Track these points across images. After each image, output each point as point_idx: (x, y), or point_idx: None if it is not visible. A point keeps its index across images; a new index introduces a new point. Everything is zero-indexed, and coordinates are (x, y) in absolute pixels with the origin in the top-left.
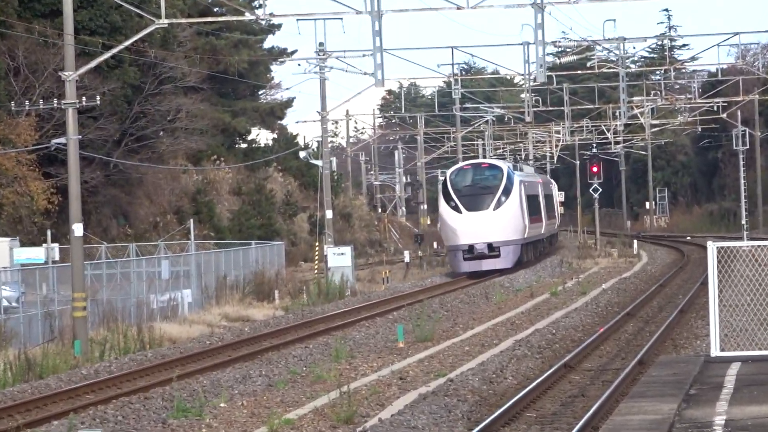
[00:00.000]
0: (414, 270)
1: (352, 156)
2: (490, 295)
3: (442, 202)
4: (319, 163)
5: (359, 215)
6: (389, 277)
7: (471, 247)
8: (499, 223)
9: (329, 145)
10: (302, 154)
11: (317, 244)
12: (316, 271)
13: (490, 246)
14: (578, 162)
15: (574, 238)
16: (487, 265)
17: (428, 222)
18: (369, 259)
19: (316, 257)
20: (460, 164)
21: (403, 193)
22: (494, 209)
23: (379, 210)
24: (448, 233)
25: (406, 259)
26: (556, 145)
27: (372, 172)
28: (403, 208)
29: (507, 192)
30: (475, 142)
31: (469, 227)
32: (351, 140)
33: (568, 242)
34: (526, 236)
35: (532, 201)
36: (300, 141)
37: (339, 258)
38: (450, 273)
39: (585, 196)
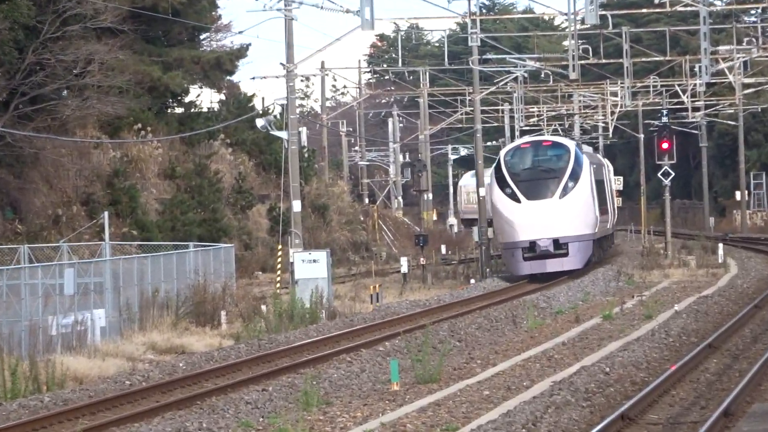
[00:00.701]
0: (414, 283)
1: (330, 126)
2: (519, 319)
3: (495, 190)
4: (283, 135)
5: (339, 208)
6: (380, 294)
7: (533, 244)
8: (567, 215)
9: (298, 111)
10: (260, 122)
11: (280, 247)
12: (278, 285)
13: (556, 242)
14: (642, 136)
15: (635, 240)
16: (553, 265)
17: (434, 217)
18: (352, 268)
19: (279, 266)
20: (517, 142)
21: (400, 178)
22: (561, 197)
23: (367, 201)
24: (504, 227)
25: (404, 268)
26: (612, 113)
27: (357, 149)
28: (400, 199)
29: (575, 176)
30: (499, 107)
31: (530, 219)
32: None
33: (627, 246)
34: (596, 230)
35: (599, 188)
36: (257, 105)
37: (310, 267)
38: (504, 278)
39: (651, 182)
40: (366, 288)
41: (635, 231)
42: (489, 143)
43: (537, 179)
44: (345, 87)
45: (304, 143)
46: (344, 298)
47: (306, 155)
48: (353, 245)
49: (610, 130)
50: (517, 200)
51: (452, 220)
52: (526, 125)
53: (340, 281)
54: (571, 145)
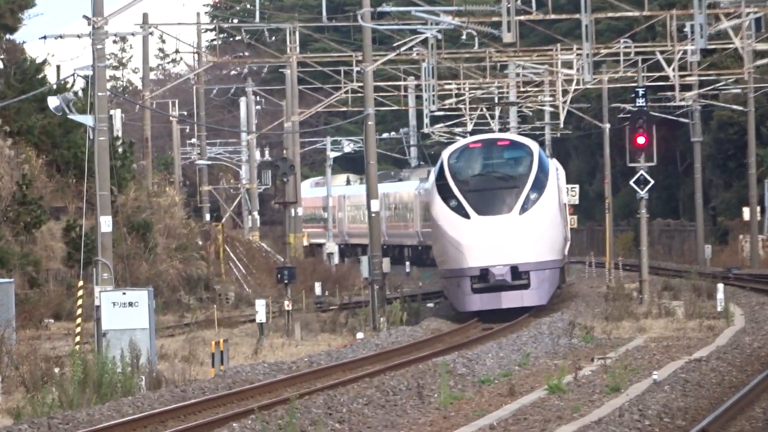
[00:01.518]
0: (276, 338)
1: (156, 108)
2: (427, 391)
3: (436, 202)
4: (87, 120)
5: (168, 227)
6: (226, 353)
7: (484, 272)
8: (529, 235)
9: (110, 86)
10: (54, 101)
11: (81, 284)
12: (78, 339)
13: (514, 270)
14: (608, 126)
15: (596, 276)
16: (510, 300)
17: (305, 242)
18: (186, 315)
19: (80, 311)
20: (464, 141)
21: (256, 184)
22: (521, 212)
23: (208, 217)
24: (447, 249)
25: (260, 316)
26: (565, 91)
27: (195, 141)
28: (256, 215)
29: (539, 185)
30: (401, 83)
31: (481, 240)
32: (154, 76)
33: (584, 285)
34: (564, 256)
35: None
36: (51, 76)
37: (125, 313)
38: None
39: (621, 194)
40: (206, 344)
41: (596, 263)
42: (386, 135)
43: (491, 189)
44: (178, 52)
45: (119, 133)
46: (174, 358)
47: (121, 150)
48: (187, 282)
49: (561, 117)
50: (465, 215)
51: (330, 246)
52: (441, 109)
53: (167, 334)
54: (533, 145)
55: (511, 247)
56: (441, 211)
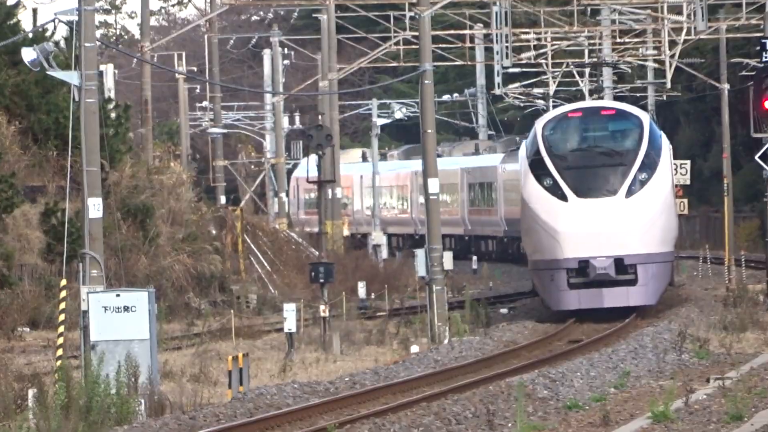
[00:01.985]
0: (309, 351)
1: (158, 62)
2: (500, 419)
3: (528, 180)
4: (71, 78)
5: (173, 212)
6: (246, 371)
7: (584, 265)
8: (637, 222)
9: (100, 34)
10: (29, 54)
11: (65, 282)
12: (60, 353)
13: (619, 263)
14: (727, 87)
15: (713, 275)
16: (614, 298)
17: (346, 230)
18: (196, 322)
19: (62, 317)
20: (561, 110)
21: (284, 159)
22: (628, 195)
23: (223, 200)
24: (540, 237)
25: (290, 323)
26: (673, 43)
27: (207, 104)
28: (283, 196)
29: (650, 164)
30: (466, 32)
31: (581, 227)
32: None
33: (697, 285)
34: (674, 248)
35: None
36: (25, 22)
37: (120, 320)
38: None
39: (743, 172)
40: (221, 359)
41: (712, 259)
42: (447, 97)
43: (593, 166)
44: None
45: (111, 93)
46: (181, 376)
47: (114, 116)
48: (198, 281)
49: (668, 76)
50: (563, 197)
51: (378, 236)
52: (516, 65)
53: (173, 346)
54: (644, 116)
55: (615, 235)
56: (534, 191)
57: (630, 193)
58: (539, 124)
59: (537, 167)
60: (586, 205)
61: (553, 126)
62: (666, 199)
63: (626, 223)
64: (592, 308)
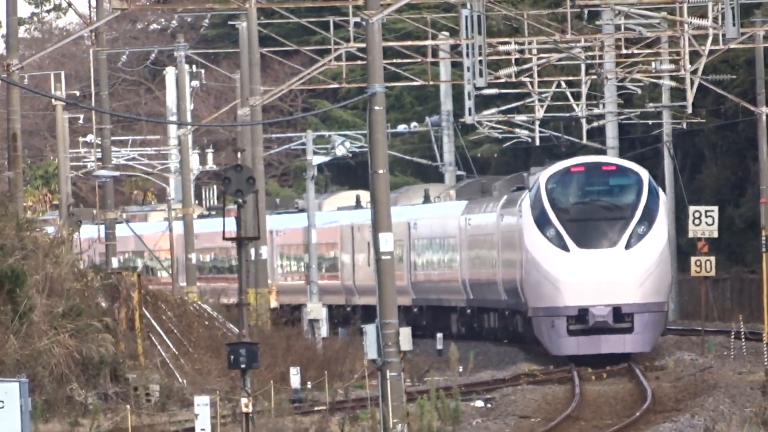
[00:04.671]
0: None
1: (29, 83)
2: None
3: (531, 231)
4: None
5: (51, 279)
6: None
7: (583, 312)
8: (635, 273)
9: None
10: None
11: None
12: None
13: (617, 312)
14: (765, 111)
15: (748, 353)
16: (611, 344)
17: (275, 300)
18: (81, 422)
19: None
20: (564, 164)
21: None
22: (627, 247)
23: (115, 263)
24: (541, 285)
25: (202, 423)
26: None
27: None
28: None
29: (649, 217)
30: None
31: (582, 276)
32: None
33: (728, 367)
34: (668, 298)
35: None
36: None
37: None
38: None
39: None
40: None
41: (748, 334)
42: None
43: (594, 219)
44: None
45: None
46: None
47: None
48: (84, 368)
49: (689, 98)
50: (564, 247)
51: (315, 308)
52: (492, 84)
53: None
54: (643, 172)
55: (614, 285)
56: (535, 241)
57: (629, 245)
58: (543, 178)
59: (540, 218)
60: (586, 256)
61: (557, 180)
62: (662, 252)
63: (625, 273)
64: (590, 353)
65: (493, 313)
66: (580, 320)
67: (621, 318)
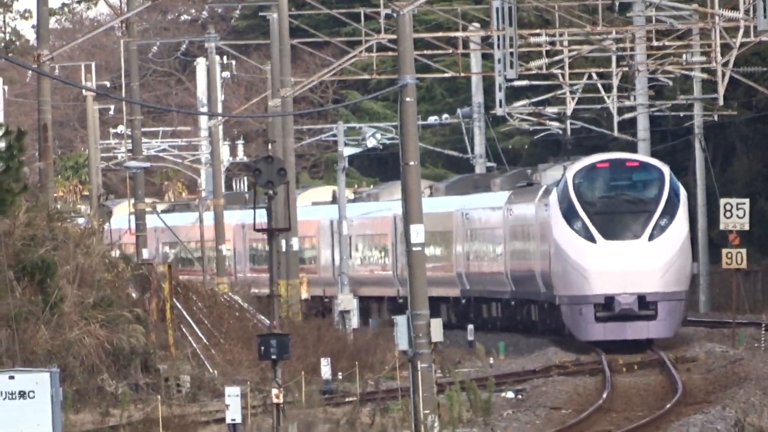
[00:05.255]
0: None
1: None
2: None
3: (558, 223)
4: None
5: (82, 269)
6: None
7: (609, 301)
8: (658, 263)
9: None
10: None
11: None
12: None
13: (641, 299)
14: None
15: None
16: (636, 331)
17: (305, 292)
18: (112, 411)
19: None
20: (590, 160)
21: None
22: (651, 239)
23: (145, 253)
24: (569, 274)
25: (232, 413)
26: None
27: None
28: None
29: (671, 211)
30: (458, 34)
31: (608, 266)
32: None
33: (759, 359)
34: (688, 287)
35: None
36: None
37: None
38: None
39: None
40: None
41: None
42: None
43: (619, 212)
44: None
45: None
46: None
47: (3, 146)
48: (114, 358)
49: (721, 90)
50: (591, 239)
51: (346, 300)
52: (522, 76)
53: None
54: (664, 168)
55: (638, 274)
56: (563, 233)
57: (652, 237)
58: (569, 174)
59: (568, 211)
60: (612, 247)
61: (583, 175)
62: (683, 243)
63: (649, 263)
64: (616, 339)
65: (533, 305)
66: (607, 308)
67: (645, 305)
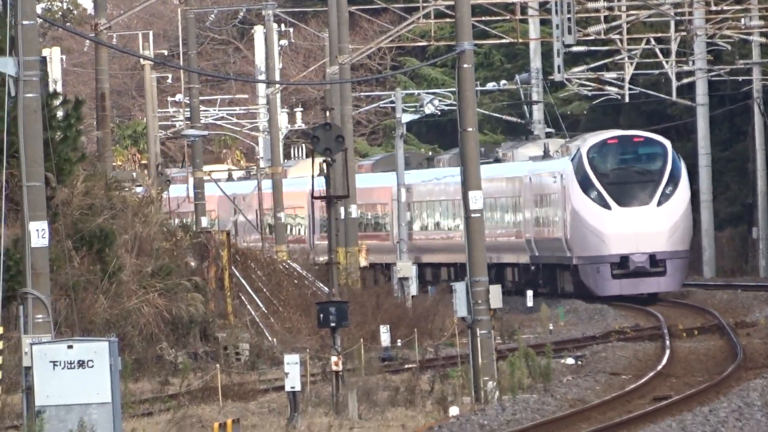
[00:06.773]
0: (317, 415)
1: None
2: None
3: (575, 193)
4: (4, 66)
5: (140, 238)
6: None
7: (624, 259)
8: (665, 226)
9: (40, 8)
10: None
11: (0, 330)
12: None
13: (652, 258)
14: None
15: None
16: (649, 285)
17: (364, 259)
18: (171, 380)
19: None
20: (600, 136)
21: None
22: (659, 204)
23: (204, 221)
24: (587, 237)
25: (292, 380)
26: None
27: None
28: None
29: (674, 180)
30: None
31: (622, 229)
32: None
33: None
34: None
35: None
36: None
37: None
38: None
39: None
40: (204, 427)
41: None
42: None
43: (630, 182)
44: None
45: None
46: None
47: (61, 115)
48: (173, 327)
49: None
50: (606, 206)
51: (405, 267)
52: (580, 42)
53: (143, 411)
54: (667, 143)
55: (649, 236)
56: (581, 201)
57: (660, 203)
58: (584, 149)
59: (584, 182)
60: (625, 213)
61: (596, 150)
62: (686, 208)
63: (658, 226)
64: (632, 294)
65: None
66: (622, 266)
67: (656, 263)
